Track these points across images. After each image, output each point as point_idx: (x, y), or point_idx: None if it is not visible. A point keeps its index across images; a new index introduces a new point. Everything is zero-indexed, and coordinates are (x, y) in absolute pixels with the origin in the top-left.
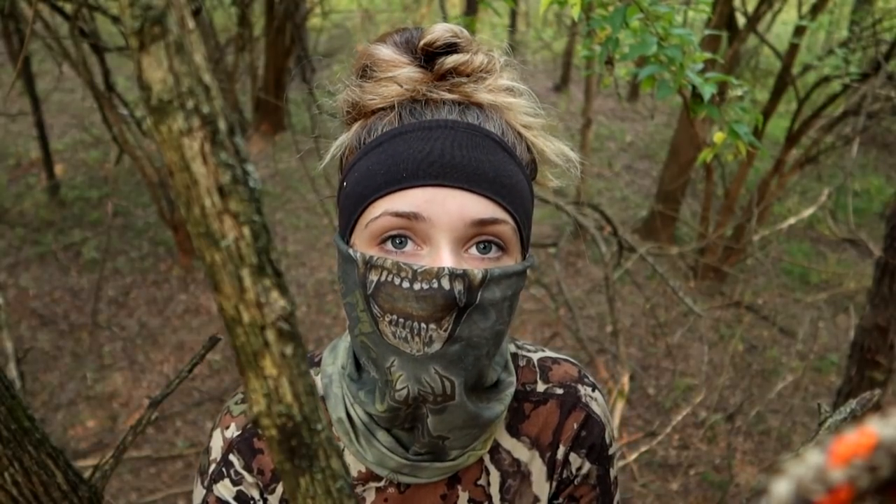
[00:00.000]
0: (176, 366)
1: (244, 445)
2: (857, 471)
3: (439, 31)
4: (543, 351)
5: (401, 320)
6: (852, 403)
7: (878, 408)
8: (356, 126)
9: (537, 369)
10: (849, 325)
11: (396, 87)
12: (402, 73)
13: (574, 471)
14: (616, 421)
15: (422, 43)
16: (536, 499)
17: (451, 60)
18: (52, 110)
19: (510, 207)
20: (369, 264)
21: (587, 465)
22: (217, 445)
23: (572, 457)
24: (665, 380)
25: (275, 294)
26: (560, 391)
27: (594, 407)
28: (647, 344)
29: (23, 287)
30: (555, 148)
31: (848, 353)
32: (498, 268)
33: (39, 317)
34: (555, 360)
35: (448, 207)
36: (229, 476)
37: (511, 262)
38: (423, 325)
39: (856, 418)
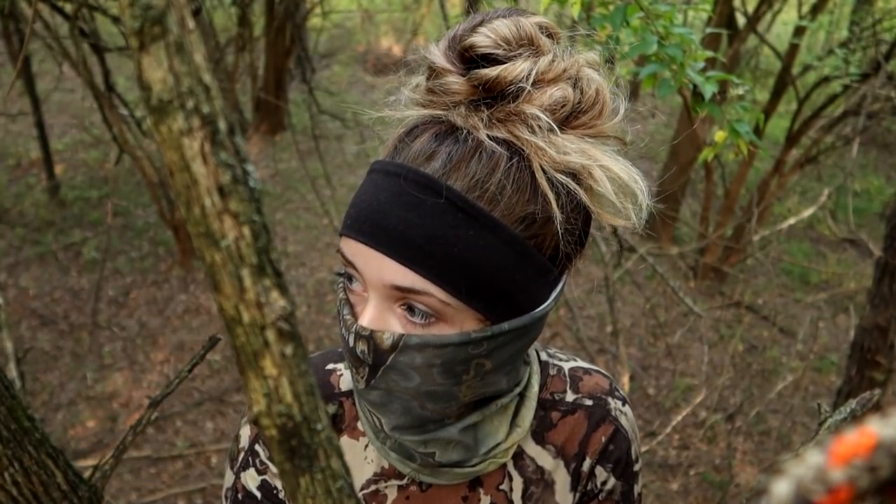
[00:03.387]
0: (176, 366)
1: None
2: (857, 471)
3: (479, 37)
4: (575, 360)
5: None
6: (852, 403)
7: (878, 408)
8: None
9: (567, 379)
10: (849, 325)
11: (444, 99)
12: (444, 84)
13: (599, 485)
14: None
15: (459, 47)
16: None
17: (483, 74)
18: (52, 110)
19: (440, 279)
20: (337, 286)
21: (612, 481)
22: (245, 434)
23: (598, 470)
24: (665, 380)
25: (275, 294)
26: (589, 402)
27: (623, 421)
28: (647, 344)
29: (23, 287)
30: (613, 186)
31: (848, 353)
32: (416, 336)
33: (39, 317)
34: (586, 371)
35: (371, 266)
36: (254, 465)
37: (448, 331)
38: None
39: (856, 418)
